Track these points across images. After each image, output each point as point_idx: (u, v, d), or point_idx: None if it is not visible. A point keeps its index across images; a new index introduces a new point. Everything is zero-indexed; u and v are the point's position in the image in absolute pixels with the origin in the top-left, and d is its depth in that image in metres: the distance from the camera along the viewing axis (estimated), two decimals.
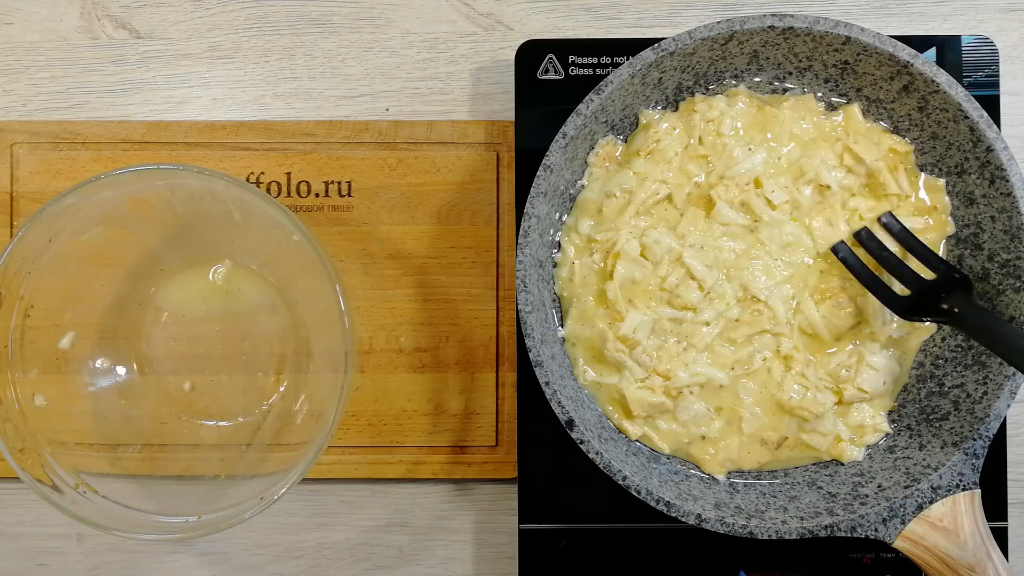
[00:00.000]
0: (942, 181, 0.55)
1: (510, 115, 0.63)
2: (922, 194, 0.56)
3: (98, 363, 0.59)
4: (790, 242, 0.55)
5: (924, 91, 0.53)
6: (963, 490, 0.51)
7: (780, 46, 0.54)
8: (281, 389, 0.61)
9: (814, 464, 0.56)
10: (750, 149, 0.55)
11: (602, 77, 0.55)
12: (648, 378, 0.54)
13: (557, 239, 0.56)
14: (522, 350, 0.58)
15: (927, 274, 0.53)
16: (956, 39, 0.59)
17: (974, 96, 0.52)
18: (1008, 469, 0.58)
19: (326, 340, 0.60)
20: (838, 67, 0.55)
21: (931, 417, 0.54)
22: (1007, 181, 0.51)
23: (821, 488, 0.54)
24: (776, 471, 0.56)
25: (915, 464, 0.53)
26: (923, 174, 0.56)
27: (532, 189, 0.51)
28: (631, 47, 0.58)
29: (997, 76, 0.60)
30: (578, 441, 0.51)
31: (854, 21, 0.52)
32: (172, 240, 0.60)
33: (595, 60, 0.60)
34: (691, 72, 0.55)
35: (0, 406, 0.53)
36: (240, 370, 0.61)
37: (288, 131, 0.62)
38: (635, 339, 0.54)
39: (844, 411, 0.55)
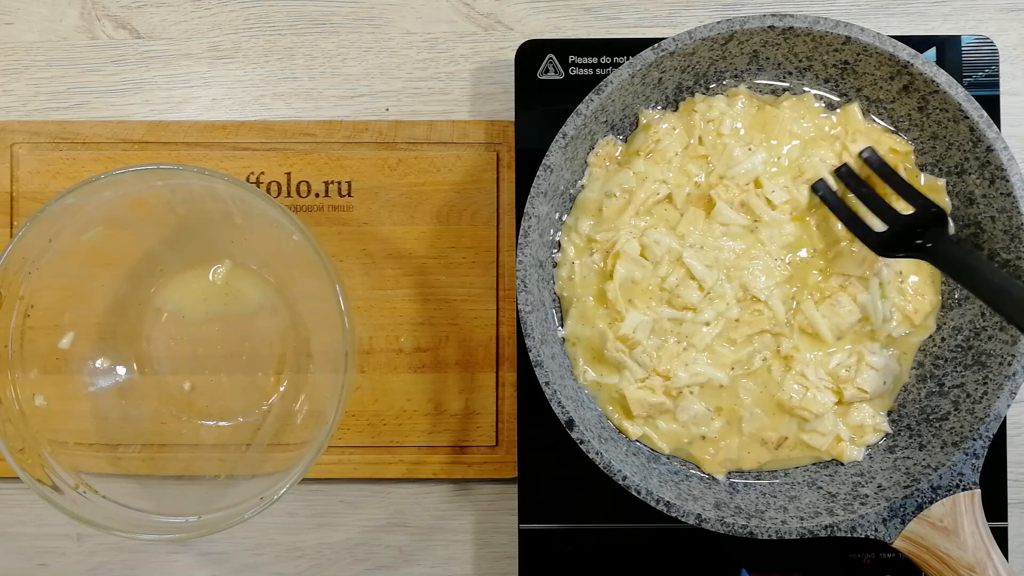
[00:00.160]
0: (942, 181, 0.55)
1: (510, 115, 0.63)
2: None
3: (98, 363, 0.59)
4: (790, 242, 0.55)
5: (924, 91, 0.53)
6: (963, 490, 0.51)
7: (780, 46, 0.54)
8: (281, 389, 0.61)
9: (814, 464, 0.56)
10: (750, 149, 0.55)
11: (602, 77, 0.55)
12: (648, 378, 0.54)
13: (557, 239, 0.56)
14: (522, 350, 0.58)
15: (905, 209, 0.53)
16: (956, 39, 0.59)
17: (974, 96, 0.52)
18: (1008, 469, 0.58)
19: (326, 340, 0.60)
20: (838, 67, 0.55)
21: (931, 417, 0.54)
22: (1007, 181, 0.51)
23: (821, 488, 0.54)
24: (776, 471, 0.56)
25: (915, 464, 0.53)
26: (923, 174, 0.56)
27: (532, 189, 0.51)
28: (631, 47, 0.58)
29: (997, 76, 0.60)
30: (578, 441, 0.51)
31: (854, 21, 0.52)
32: (172, 240, 0.60)
33: (595, 60, 0.60)
34: (691, 72, 0.55)
35: (0, 406, 0.53)
36: (240, 370, 0.61)
37: (288, 131, 0.62)
38: (635, 339, 0.54)
39: (844, 411, 0.55)
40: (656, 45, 0.52)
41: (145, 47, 0.64)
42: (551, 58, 0.60)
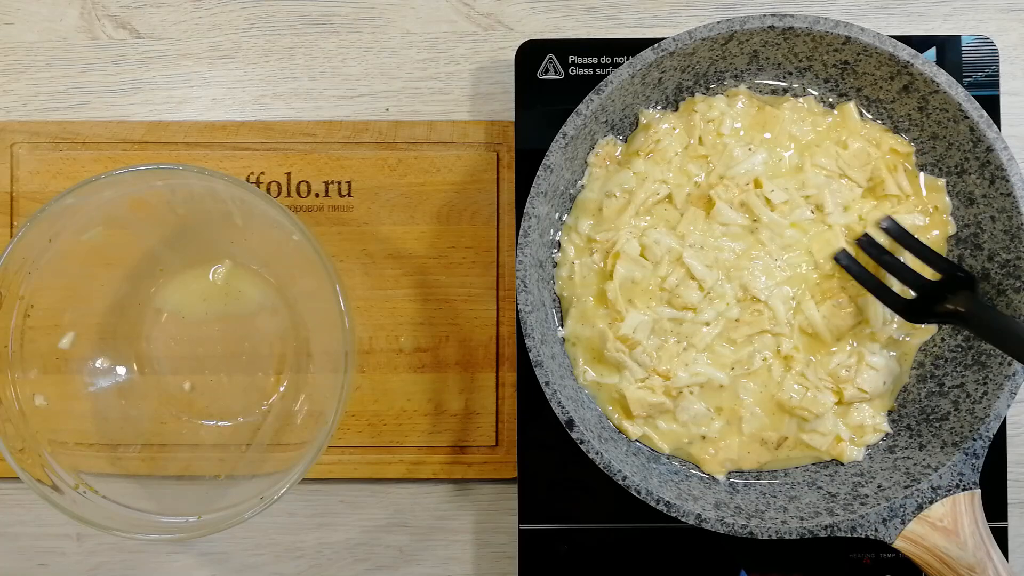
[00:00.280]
0: (942, 181, 0.55)
1: (510, 115, 0.63)
2: (922, 194, 0.56)
3: (98, 363, 0.59)
4: (790, 243, 0.55)
5: (924, 91, 0.53)
6: (963, 490, 0.51)
7: (780, 46, 0.54)
8: (281, 389, 0.61)
9: (814, 464, 0.56)
10: (750, 149, 0.55)
11: (602, 77, 0.55)
12: (648, 378, 0.54)
13: (557, 239, 0.56)
14: (522, 350, 0.58)
15: (931, 275, 0.53)
16: (956, 39, 0.59)
17: (974, 96, 0.52)
18: (1008, 469, 0.58)
19: (326, 340, 0.60)
20: (838, 67, 0.55)
21: (931, 417, 0.54)
22: (1007, 181, 0.51)
23: (821, 488, 0.54)
24: (776, 471, 0.56)
25: (915, 464, 0.53)
26: (923, 174, 0.56)
27: (532, 189, 0.51)
28: (631, 47, 0.58)
29: (997, 76, 0.60)
30: (578, 441, 0.51)
31: (854, 21, 0.52)
32: (172, 240, 0.60)
33: (595, 60, 0.60)
34: (691, 72, 0.55)
35: (0, 406, 0.53)
36: (240, 370, 0.61)
37: (288, 131, 0.62)
38: (635, 339, 0.54)
39: (844, 411, 0.55)
40: (656, 45, 0.52)
41: (145, 47, 0.64)
42: (551, 58, 0.60)
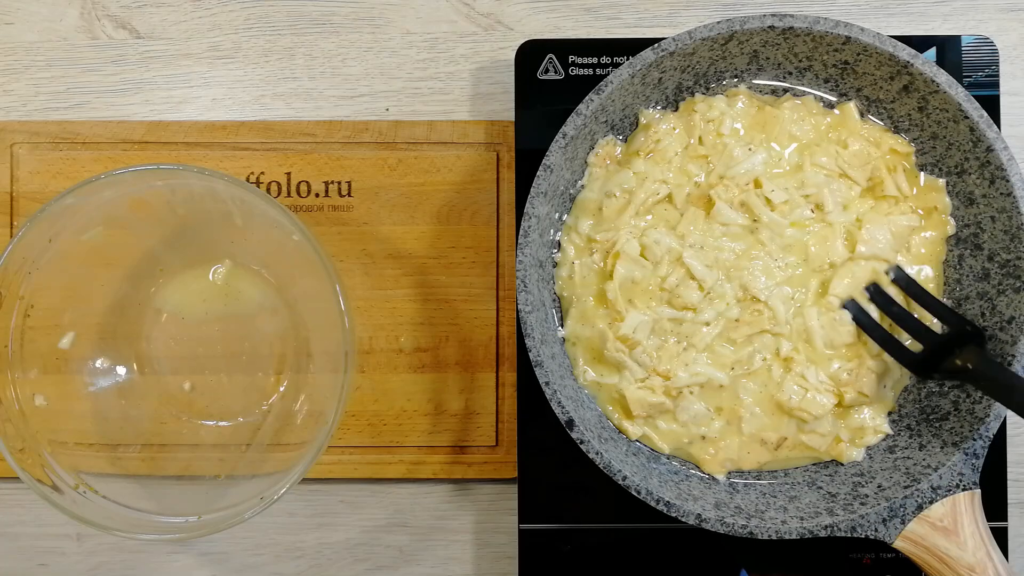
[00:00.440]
0: (942, 181, 0.55)
1: (510, 115, 0.63)
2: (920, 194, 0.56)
3: (98, 363, 0.59)
4: (790, 243, 0.55)
5: (924, 91, 0.53)
6: (963, 490, 0.51)
7: (780, 46, 0.54)
8: (281, 389, 0.61)
9: (814, 464, 0.56)
10: (750, 149, 0.55)
11: (602, 77, 0.55)
12: (648, 378, 0.54)
13: (557, 239, 0.56)
14: (522, 350, 0.58)
15: (939, 325, 0.53)
16: (956, 39, 0.59)
17: (974, 96, 0.52)
18: (1008, 469, 0.58)
19: (326, 340, 0.60)
20: (838, 67, 0.55)
21: (931, 417, 0.54)
22: (1007, 181, 0.51)
23: (821, 488, 0.54)
24: (776, 471, 0.56)
25: (915, 464, 0.53)
26: (923, 174, 0.56)
27: (532, 189, 0.51)
28: (631, 47, 0.58)
29: (997, 76, 0.60)
30: (578, 441, 0.51)
31: (854, 21, 0.52)
32: (172, 240, 0.60)
33: (595, 60, 0.60)
34: (691, 72, 0.55)
35: (0, 406, 0.53)
36: (240, 370, 0.61)
37: (288, 131, 0.62)
38: (635, 339, 0.54)
39: (844, 413, 0.55)
40: (656, 45, 0.52)
41: (145, 47, 0.64)
42: (551, 58, 0.60)
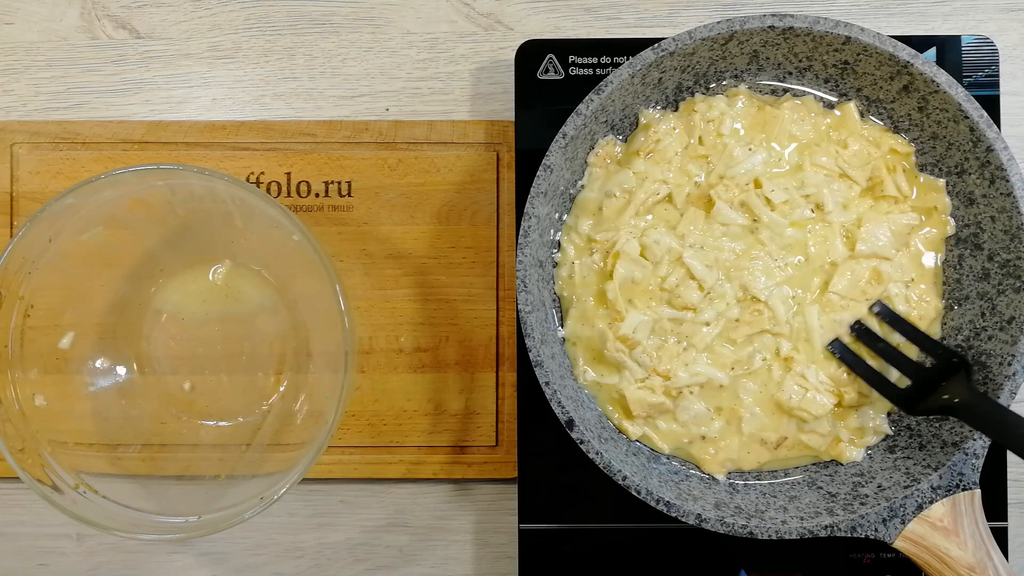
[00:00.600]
0: (942, 181, 0.55)
1: (510, 115, 0.63)
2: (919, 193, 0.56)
3: (98, 363, 0.59)
4: (790, 243, 0.55)
5: (924, 91, 0.53)
6: (963, 490, 0.51)
7: (780, 46, 0.54)
8: (281, 389, 0.61)
9: (814, 464, 0.56)
10: (750, 149, 0.55)
11: (602, 77, 0.55)
12: (648, 378, 0.54)
13: (557, 239, 0.56)
14: (522, 350, 0.58)
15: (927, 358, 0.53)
16: (956, 39, 0.59)
17: (974, 96, 0.52)
18: (1008, 469, 0.58)
19: (326, 340, 0.60)
20: (838, 67, 0.55)
21: (931, 417, 0.54)
22: (1007, 181, 0.51)
23: (821, 488, 0.54)
24: (776, 471, 0.56)
25: (915, 464, 0.53)
26: (923, 174, 0.56)
27: (532, 189, 0.51)
28: (631, 47, 0.58)
29: (997, 76, 0.60)
30: (578, 441, 0.51)
31: (854, 21, 0.52)
32: (172, 240, 0.60)
33: (595, 60, 0.60)
34: (691, 72, 0.55)
35: (0, 406, 0.53)
36: (240, 370, 0.61)
37: (288, 131, 0.62)
38: (635, 339, 0.54)
39: (844, 413, 0.55)
40: (656, 45, 0.52)
41: (145, 47, 0.64)
42: (551, 58, 0.60)
